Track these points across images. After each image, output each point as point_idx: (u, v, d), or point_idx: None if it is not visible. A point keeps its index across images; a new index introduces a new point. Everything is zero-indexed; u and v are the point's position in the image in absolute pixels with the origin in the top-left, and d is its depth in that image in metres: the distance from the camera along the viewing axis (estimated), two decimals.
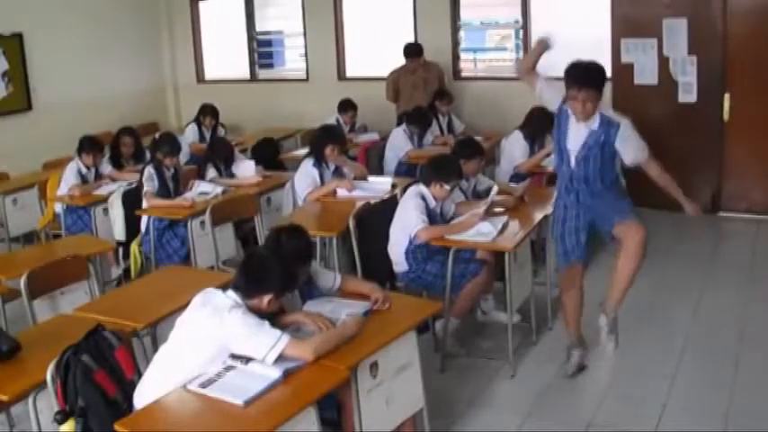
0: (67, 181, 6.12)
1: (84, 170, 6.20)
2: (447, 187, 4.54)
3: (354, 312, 3.27)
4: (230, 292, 2.97)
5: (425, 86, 7.92)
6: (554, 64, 8.57)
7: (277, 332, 2.89)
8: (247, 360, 2.87)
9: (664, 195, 4.03)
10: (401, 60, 8.20)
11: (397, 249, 4.58)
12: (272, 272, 2.99)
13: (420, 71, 8.02)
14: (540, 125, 6.23)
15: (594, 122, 3.86)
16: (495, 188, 4.81)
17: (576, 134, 3.92)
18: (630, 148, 3.88)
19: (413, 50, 7.99)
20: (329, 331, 3.09)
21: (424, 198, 4.54)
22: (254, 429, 2.58)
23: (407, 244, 4.50)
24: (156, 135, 6.30)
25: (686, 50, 6.98)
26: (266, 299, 2.97)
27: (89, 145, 6.23)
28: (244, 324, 2.86)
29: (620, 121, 3.86)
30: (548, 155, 5.92)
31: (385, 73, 8.29)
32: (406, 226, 4.49)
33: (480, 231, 4.39)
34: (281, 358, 2.85)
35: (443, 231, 4.47)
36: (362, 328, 3.13)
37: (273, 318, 3.09)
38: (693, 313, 5.03)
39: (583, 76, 3.83)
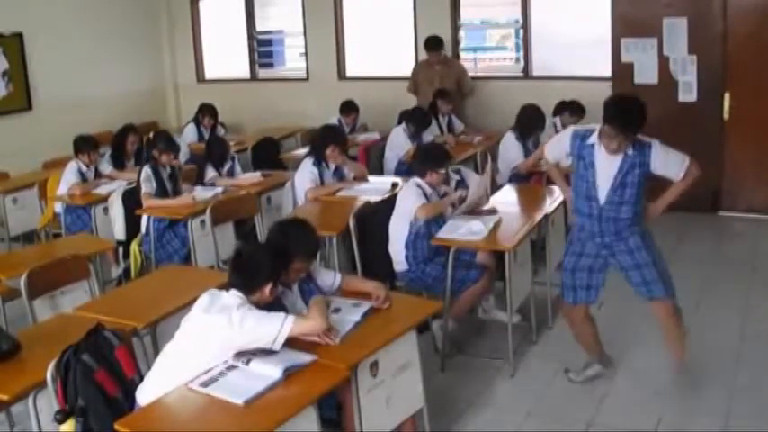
0: (68, 181, 6.12)
1: (84, 169, 6.21)
2: (442, 171, 4.64)
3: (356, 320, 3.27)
4: (233, 291, 3.00)
5: (441, 83, 7.95)
6: (554, 64, 8.63)
7: (280, 315, 2.94)
8: (248, 360, 2.87)
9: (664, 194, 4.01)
10: (401, 60, 8.23)
11: (397, 247, 4.59)
12: (263, 263, 3.04)
13: (438, 67, 8.05)
14: (530, 123, 6.23)
15: (627, 148, 3.70)
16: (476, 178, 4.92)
17: (608, 165, 3.73)
18: (671, 163, 3.75)
19: (428, 43, 8.07)
20: (319, 304, 3.14)
21: (420, 187, 4.61)
22: (254, 429, 2.57)
23: (408, 234, 4.53)
24: (151, 134, 6.28)
25: (686, 50, 6.98)
26: (267, 289, 3.03)
27: (83, 143, 6.25)
28: (250, 319, 2.89)
29: (651, 142, 3.73)
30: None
31: (385, 72, 8.29)
32: (405, 214, 4.55)
33: (471, 230, 4.41)
34: (290, 350, 2.88)
35: (438, 207, 4.57)
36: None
37: None
38: (693, 313, 5.02)
39: (624, 119, 3.61)
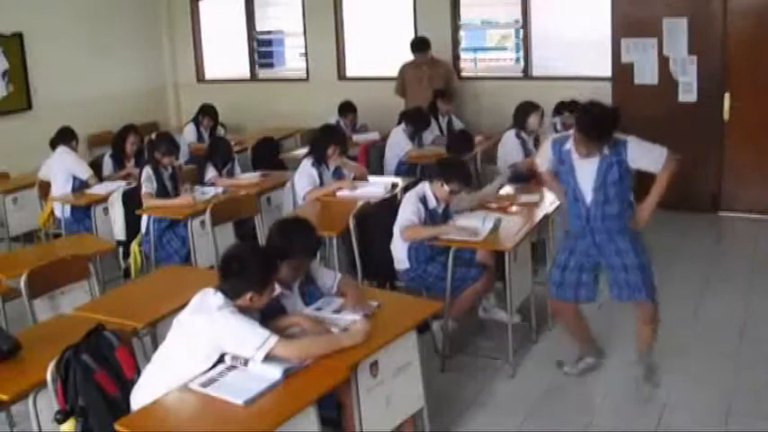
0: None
1: None
2: (446, 188, 4.52)
3: (356, 319, 3.25)
4: (219, 293, 2.96)
5: (429, 83, 7.94)
6: (554, 64, 8.63)
7: (265, 333, 2.87)
8: (247, 360, 2.87)
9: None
10: (402, 60, 8.23)
11: (399, 246, 4.58)
12: (248, 271, 2.96)
13: (425, 67, 8.05)
14: (526, 116, 6.20)
15: (603, 149, 3.75)
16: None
17: (587, 166, 3.80)
18: (648, 158, 3.78)
19: (415, 45, 8.09)
20: (322, 335, 3.07)
21: (424, 198, 4.55)
22: (254, 429, 2.58)
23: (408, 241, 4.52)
24: (153, 135, 6.31)
25: (686, 50, 6.98)
26: (247, 297, 2.96)
27: (64, 133, 6.50)
28: (231, 322, 2.86)
29: (626, 139, 3.77)
30: None
31: (385, 72, 8.29)
32: (401, 225, 4.51)
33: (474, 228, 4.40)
34: (274, 358, 2.84)
35: (426, 233, 4.44)
36: (365, 338, 3.06)
37: (272, 318, 3.10)
38: (693, 313, 5.03)
39: (594, 131, 3.69)
